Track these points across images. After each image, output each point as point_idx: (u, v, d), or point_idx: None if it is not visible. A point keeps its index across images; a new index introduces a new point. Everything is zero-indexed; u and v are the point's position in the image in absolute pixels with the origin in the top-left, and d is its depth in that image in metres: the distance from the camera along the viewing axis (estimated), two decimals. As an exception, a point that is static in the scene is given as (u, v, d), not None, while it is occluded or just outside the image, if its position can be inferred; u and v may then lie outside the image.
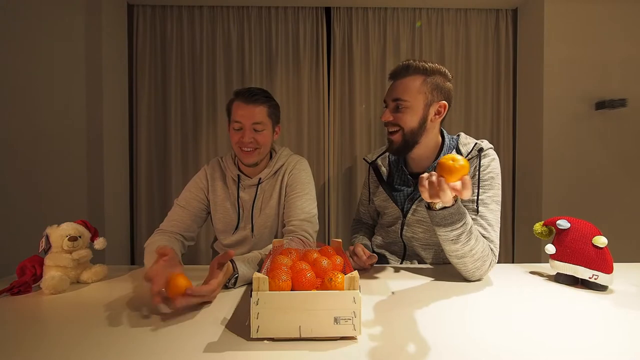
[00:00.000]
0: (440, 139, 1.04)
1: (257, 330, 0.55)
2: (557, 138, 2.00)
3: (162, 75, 2.16)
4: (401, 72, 0.97)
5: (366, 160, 1.21)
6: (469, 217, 0.82)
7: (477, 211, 0.93)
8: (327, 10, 2.20)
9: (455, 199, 0.77)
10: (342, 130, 2.22)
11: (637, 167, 1.99)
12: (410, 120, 0.97)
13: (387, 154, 1.16)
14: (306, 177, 1.18)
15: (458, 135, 1.07)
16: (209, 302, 0.73)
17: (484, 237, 0.91)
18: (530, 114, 2.13)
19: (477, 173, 0.96)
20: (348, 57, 2.20)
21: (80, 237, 0.88)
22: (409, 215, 1.04)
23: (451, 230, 0.80)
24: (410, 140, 0.99)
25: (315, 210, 1.16)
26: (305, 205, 1.13)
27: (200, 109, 2.15)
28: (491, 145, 1.02)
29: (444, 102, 0.98)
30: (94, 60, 1.84)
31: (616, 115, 1.96)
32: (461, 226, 0.80)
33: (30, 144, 1.75)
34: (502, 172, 2.22)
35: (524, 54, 2.20)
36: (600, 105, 1.95)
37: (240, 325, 0.62)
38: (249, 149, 1.08)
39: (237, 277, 0.82)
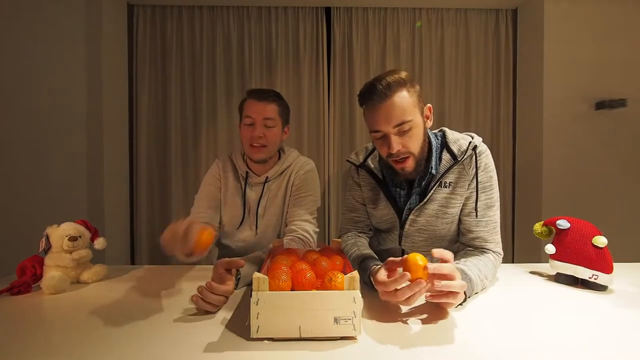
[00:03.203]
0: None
1: (257, 330, 0.55)
2: (557, 138, 2.00)
3: (162, 75, 2.16)
4: (384, 93, 0.82)
5: (353, 163, 1.05)
6: (476, 276, 0.77)
7: (478, 214, 0.91)
8: (327, 10, 2.20)
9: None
10: (342, 130, 2.22)
11: (637, 167, 1.99)
12: (419, 140, 0.87)
13: (375, 153, 1.03)
14: (312, 178, 1.19)
15: (441, 131, 0.98)
16: (216, 308, 0.70)
17: (489, 241, 0.91)
18: (530, 114, 2.13)
19: (476, 174, 0.91)
20: (348, 57, 2.20)
21: (80, 237, 0.88)
22: (406, 226, 0.98)
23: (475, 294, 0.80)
24: (422, 158, 0.90)
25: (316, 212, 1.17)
26: (309, 206, 1.14)
27: (200, 108, 2.15)
28: (481, 138, 0.95)
29: (428, 104, 0.93)
30: (94, 60, 1.84)
31: (616, 115, 1.96)
32: (482, 290, 0.81)
33: (30, 144, 1.75)
34: (502, 172, 2.28)
35: (524, 54, 2.20)
36: (600, 105, 1.95)
37: (240, 325, 0.62)
38: (258, 145, 1.10)
39: (240, 278, 0.82)
